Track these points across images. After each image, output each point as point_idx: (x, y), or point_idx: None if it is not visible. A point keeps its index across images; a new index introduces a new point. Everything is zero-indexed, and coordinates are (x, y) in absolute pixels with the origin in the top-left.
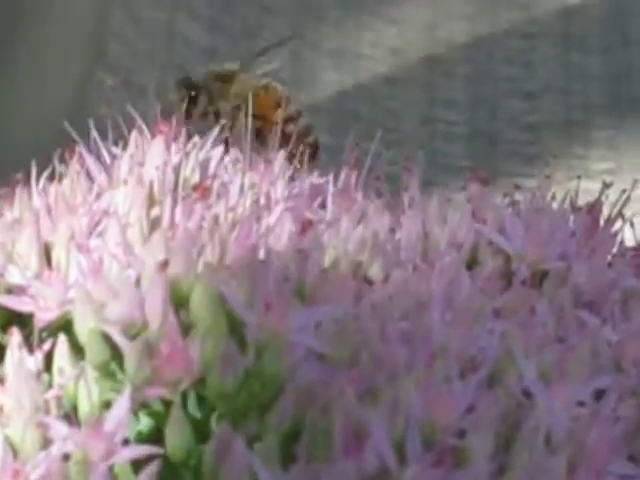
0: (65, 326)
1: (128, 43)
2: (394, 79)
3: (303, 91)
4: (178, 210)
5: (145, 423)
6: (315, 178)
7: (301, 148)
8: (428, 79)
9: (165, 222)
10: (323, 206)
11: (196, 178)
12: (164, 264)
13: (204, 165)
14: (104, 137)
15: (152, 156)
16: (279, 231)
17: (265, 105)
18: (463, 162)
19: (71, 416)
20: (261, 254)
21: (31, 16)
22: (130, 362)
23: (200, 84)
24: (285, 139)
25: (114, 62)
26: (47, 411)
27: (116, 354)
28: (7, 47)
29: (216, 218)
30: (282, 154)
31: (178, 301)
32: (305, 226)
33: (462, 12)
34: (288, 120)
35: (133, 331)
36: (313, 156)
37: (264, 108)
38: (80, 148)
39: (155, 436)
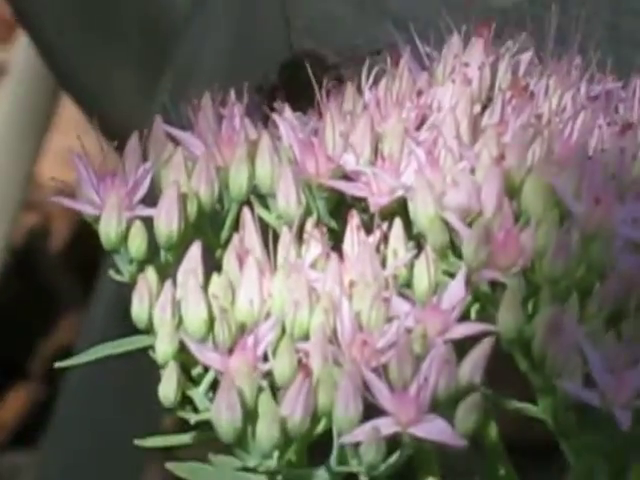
0: (394, 212)
1: None
2: None
3: None
4: (507, 108)
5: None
6: (610, 83)
7: None
8: None
9: (495, 118)
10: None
11: (508, 79)
12: (501, 157)
13: (515, 67)
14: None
15: (473, 57)
16: (597, 131)
17: None
18: None
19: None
20: (586, 151)
21: None
22: (469, 247)
23: None
24: None
25: None
26: (385, 289)
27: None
28: None
29: (539, 116)
30: (578, 60)
31: (509, 192)
32: (624, 127)
33: None
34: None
35: (468, 219)
36: None
37: None
38: (403, 49)
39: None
